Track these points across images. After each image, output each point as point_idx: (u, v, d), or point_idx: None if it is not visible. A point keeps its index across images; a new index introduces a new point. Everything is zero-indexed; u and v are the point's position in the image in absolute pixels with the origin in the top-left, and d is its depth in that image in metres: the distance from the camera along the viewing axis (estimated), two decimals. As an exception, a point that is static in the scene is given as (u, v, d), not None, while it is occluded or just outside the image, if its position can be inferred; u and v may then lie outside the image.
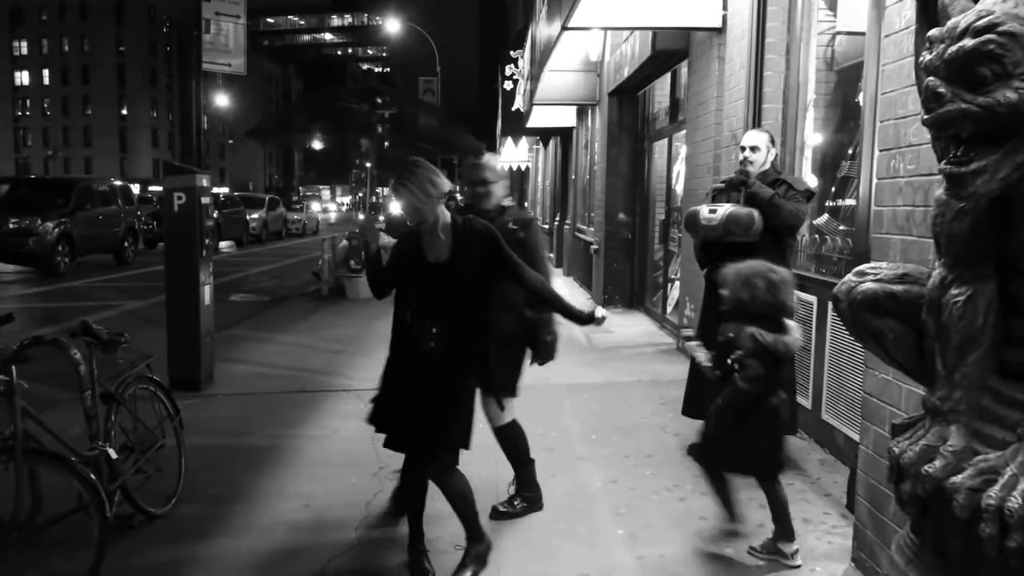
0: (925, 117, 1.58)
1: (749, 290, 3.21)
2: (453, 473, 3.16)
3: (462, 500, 3.20)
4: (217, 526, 3.71)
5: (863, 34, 4.43)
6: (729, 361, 3.25)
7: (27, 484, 2.95)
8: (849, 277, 1.92)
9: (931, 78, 1.53)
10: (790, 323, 3.26)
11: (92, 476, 3.11)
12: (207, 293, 6.21)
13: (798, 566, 3.32)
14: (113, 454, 3.43)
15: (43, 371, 3.34)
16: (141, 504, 3.63)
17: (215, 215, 13.64)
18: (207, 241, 6.22)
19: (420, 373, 3.06)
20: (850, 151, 4.94)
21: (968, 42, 1.47)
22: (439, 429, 3.05)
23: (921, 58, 1.60)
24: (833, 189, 5.21)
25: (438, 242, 3.12)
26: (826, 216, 5.23)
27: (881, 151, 3.09)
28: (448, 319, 3.05)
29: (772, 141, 4.56)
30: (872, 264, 1.96)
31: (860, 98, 4.48)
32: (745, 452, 3.30)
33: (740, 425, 3.26)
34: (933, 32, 1.57)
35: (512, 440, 3.83)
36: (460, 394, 3.12)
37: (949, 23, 1.54)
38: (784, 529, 3.39)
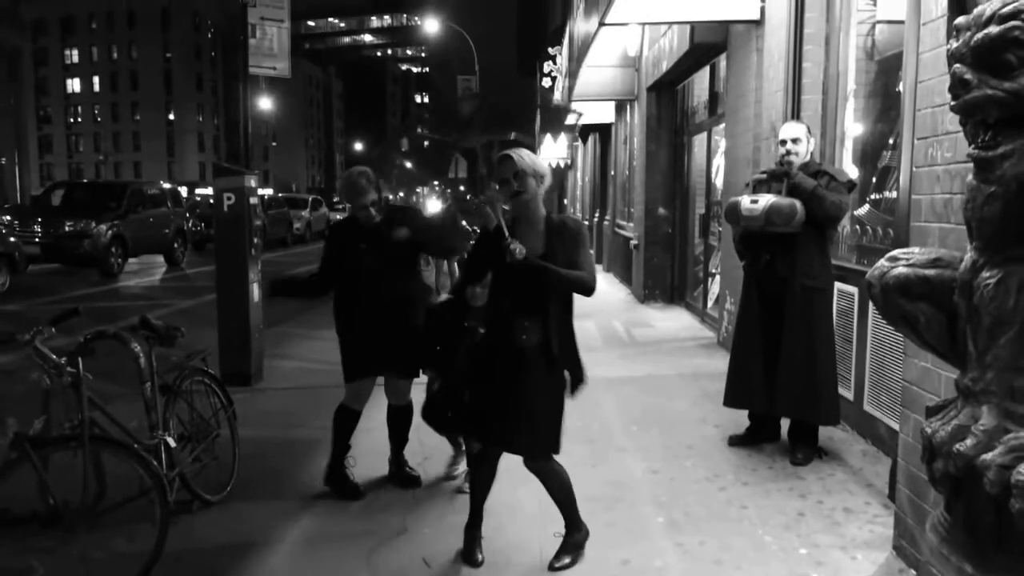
0: (952, 103, 1.62)
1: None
2: (552, 464, 3.17)
3: (563, 490, 3.22)
4: (270, 511, 3.86)
5: (903, 22, 4.40)
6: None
7: (92, 470, 3.12)
8: (881, 262, 1.95)
9: (957, 65, 1.57)
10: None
11: (155, 463, 3.26)
12: (256, 290, 6.40)
13: (457, 483, 4.13)
14: (172, 443, 3.60)
15: (101, 368, 3.51)
16: (198, 491, 3.79)
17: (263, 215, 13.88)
18: (256, 240, 6.41)
19: (509, 368, 3.07)
20: (891, 141, 4.90)
21: (993, 29, 1.51)
22: (539, 424, 3.07)
23: (948, 45, 1.64)
24: (874, 180, 5.17)
25: (533, 234, 3.08)
26: (867, 207, 5.20)
27: (919, 139, 3.10)
28: (538, 313, 3.04)
29: (809, 131, 4.57)
30: (904, 249, 1.99)
31: (901, 87, 4.45)
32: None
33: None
34: (960, 20, 1.61)
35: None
36: (553, 389, 3.11)
37: (976, 10, 1.58)
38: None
